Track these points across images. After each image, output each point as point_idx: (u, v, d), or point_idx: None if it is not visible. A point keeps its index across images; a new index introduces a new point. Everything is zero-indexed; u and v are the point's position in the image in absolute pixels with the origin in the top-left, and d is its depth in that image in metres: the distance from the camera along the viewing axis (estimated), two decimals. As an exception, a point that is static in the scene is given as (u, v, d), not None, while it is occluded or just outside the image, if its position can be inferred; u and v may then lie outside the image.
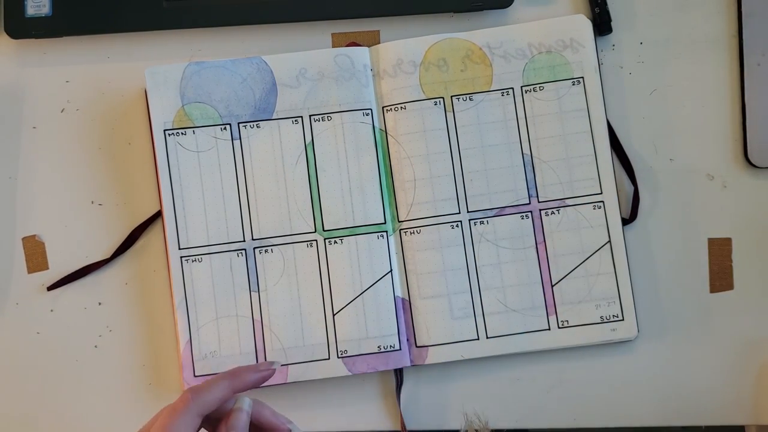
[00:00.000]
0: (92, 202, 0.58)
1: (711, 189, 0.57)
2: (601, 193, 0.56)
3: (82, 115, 0.58)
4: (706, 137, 0.57)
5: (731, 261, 0.57)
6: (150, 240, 0.57)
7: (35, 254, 0.57)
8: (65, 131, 0.58)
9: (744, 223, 0.57)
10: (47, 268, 0.57)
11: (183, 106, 0.56)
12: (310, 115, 0.56)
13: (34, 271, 0.57)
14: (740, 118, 0.57)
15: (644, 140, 0.57)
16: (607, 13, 0.57)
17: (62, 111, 0.58)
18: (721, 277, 0.57)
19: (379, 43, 0.58)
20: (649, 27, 0.58)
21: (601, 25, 0.57)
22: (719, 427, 0.57)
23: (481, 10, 0.58)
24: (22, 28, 0.57)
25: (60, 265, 0.57)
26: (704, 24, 0.58)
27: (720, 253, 0.57)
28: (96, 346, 0.56)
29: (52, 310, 0.57)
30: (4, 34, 0.58)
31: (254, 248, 0.56)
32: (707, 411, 0.55)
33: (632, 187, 0.57)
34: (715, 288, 0.57)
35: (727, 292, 0.57)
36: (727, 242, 0.57)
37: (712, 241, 0.57)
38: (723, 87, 0.58)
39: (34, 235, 0.57)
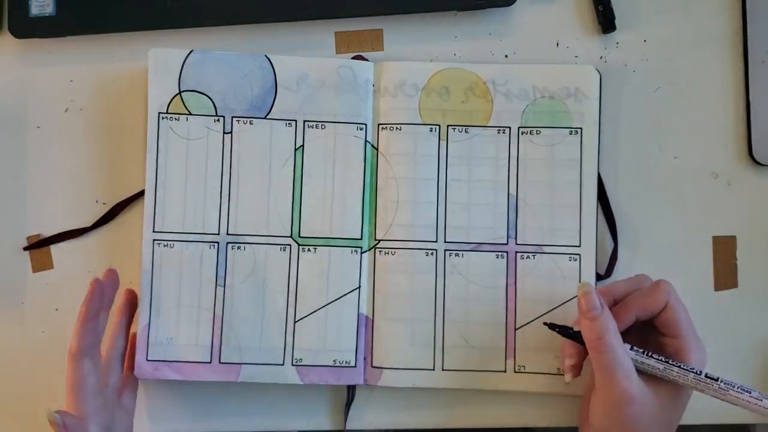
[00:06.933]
0: (97, 201, 0.58)
1: (715, 187, 0.57)
2: (580, 246, 0.55)
3: (86, 114, 0.58)
4: (710, 135, 0.57)
5: (736, 259, 0.57)
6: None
7: (40, 253, 0.57)
8: (69, 131, 0.58)
9: (748, 221, 0.57)
10: (52, 267, 0.57)
11: (180, 92, 0.56)
12: (304, 121, 0.56)
13: (39, 270, 0.57)
14: (745, 115, 0.57)
15: (648, 138, 0.57)
16: (611, 10, 0.57)
17: (66, 110, 0.58)
18: (725, 275, 0.56)
19: (381, 42, 0.58)
20: (654, 25, 0.58)
21: (605, 23, 0.57)
22: (720, 426, 0.56)
23: (485, 8, 0.57)
24: (26, 27, 0.57)
25: (65, 264, 0.57)
26: (708, 22, 0.58)
27: (724, 251, 0.57)
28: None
29: (57, 309, 0.57)
30: (8, 33, 0.58)
31: (227, 243, 0.55)
32: (708, 410, 0.55)
33: (612, 244, 0.56)
34: (719, 286, 0.57)
35: (731, 290, 0.56)
36: (731, 240, 0.57)
37: (716, 239, 0.57)
38: (727, 85, 0.57)
39: (39, 234, 0.57)
